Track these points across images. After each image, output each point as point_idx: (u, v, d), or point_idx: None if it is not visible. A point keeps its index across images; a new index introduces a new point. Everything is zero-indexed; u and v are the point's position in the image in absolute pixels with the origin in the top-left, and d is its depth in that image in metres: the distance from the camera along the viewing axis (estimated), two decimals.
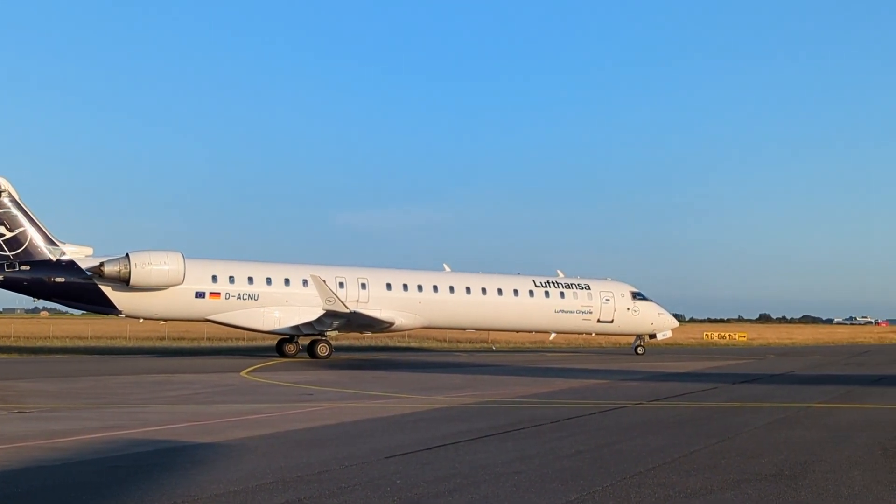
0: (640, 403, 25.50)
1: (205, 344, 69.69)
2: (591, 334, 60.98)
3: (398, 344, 74.31)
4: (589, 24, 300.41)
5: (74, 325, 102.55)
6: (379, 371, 40.40)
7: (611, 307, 57.79)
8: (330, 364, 45.73)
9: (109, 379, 33.45)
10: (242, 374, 36.66)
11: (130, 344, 67.08)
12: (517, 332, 62.70)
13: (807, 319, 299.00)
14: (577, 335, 63.88)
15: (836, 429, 19.83)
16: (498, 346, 75.46)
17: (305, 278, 50.24)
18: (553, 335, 62.13)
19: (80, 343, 66.92)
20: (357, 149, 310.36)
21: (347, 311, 47.60)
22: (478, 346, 74.65)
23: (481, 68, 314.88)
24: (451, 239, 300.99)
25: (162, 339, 75.45)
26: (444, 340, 76.60)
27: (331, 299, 47.24)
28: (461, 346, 73.02)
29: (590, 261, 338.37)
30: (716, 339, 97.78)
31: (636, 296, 58.86)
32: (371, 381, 33.72)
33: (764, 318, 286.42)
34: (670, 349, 73.25)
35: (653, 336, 60.48)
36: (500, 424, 19.76)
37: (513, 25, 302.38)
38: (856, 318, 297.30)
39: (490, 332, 72.79)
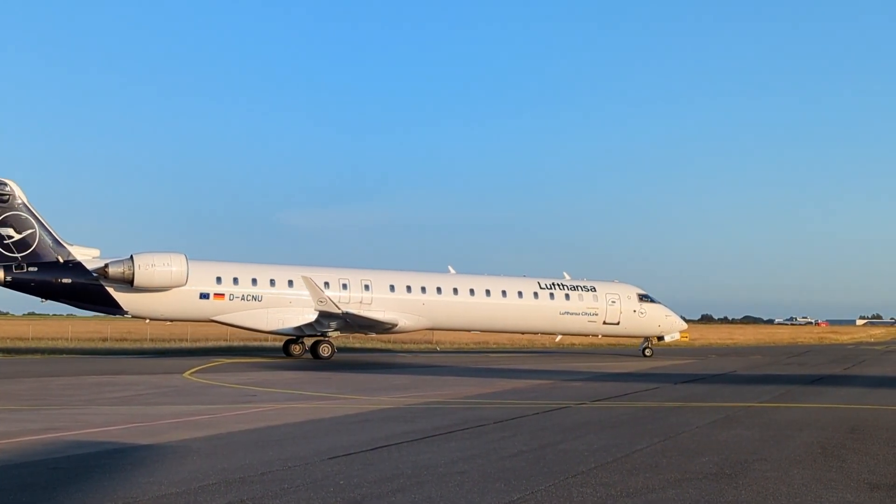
0: (582, 403, 25.66)
1: (148, 345, 69.00)
2: (597, 336, 61.28)
3: (341, 344, 74.07)
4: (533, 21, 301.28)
5: (16, 326, 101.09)
6: (323, 372, 40.25)
7: (616, 309, 57.97)
8: (275, 365, 45.55)
9: (51, 380, 33.03)
10: (185, 375, 36.37)
11: (72, 345, 66.21)
12: (522, 333, 63.07)
13: (748, 320, 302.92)
14: (583, 337, 64.35)
15: (776, 428, 20.07)
16: (442, 346, 75.51)
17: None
18: (559, 337, 62.70)
19: (21, 344, 65.97)
20: (302, 148, 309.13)
21: (339, 311, 48.08)
22: (422, 346, 74.63)
23: (424, 65, 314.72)
24: (396, 239, 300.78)
25: (104, 339, 74.62)
26: (389, 341, 76.38)
27: (322, 300, 47.76)
28: (405, 346, 72.96)
29: (534, 261, 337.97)
30: (654, 340, 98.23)
31: (643, 298, 58.99)
32: (315, 382, 33.61)
33: (706, 319, 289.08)
34: (614, 350, 73.71)
35: (661, 338, 60.71)
36: (444, 425, 19.82)
37: (464, 23, 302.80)
38: (796, 319, 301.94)
39: (435, 333, 73.28)
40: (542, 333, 61.25)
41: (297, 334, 52.74)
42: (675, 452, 16.02)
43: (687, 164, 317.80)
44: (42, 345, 64.83)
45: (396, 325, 52.19)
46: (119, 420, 20.39)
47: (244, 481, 12.77)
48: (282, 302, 51.28)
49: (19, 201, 47.33)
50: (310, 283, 48.17)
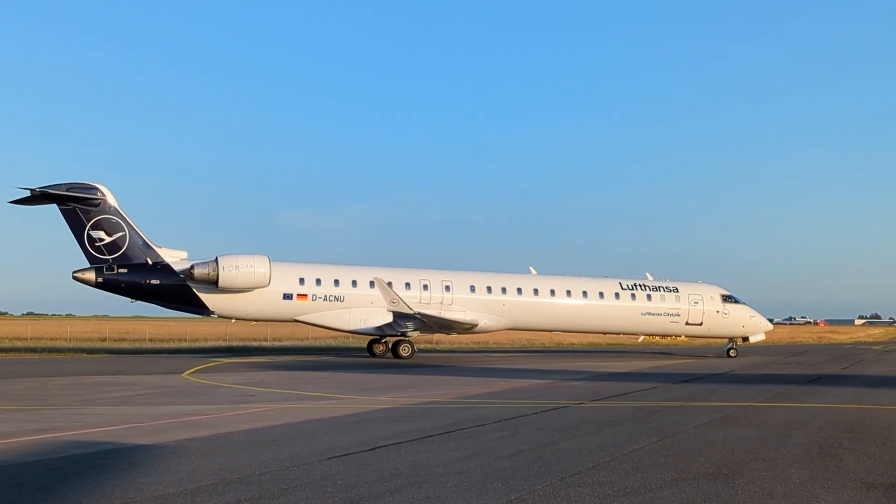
0: (581, 403, 25.65)
1: (147, 345, 69.02)
2: (679, 336, 61.72)
3: (342, 344, 74.08)
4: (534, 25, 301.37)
5: (14, 325, 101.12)
6: (322, 372, 40.26)
7: (699, 310, 58.48)
8: (274, 365, 45.52)
9: (49, 380, 33.06)
10: (184, 375, 36.40)
11: (71, 345, 66.23)
12: (604, 333, 63.67)
13: None
14: (666, 337, 65.23)
15: (773, 427, 20.08)
16: (441, 345, 75.49)
17: (390, 280, 51.62)
18: (641, 338, 63.30)
19: (20, 344, 66.01)
20: (301, 148, 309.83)
21: (412, 312, 49.18)
22: (421, 345, 74.68)
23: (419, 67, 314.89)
24: (395, 239, 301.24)
25: (103, 339, 74.66)
26: None
27: (394, 301, 48.98)
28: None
29: (536, 261, 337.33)
30: (657, 339, 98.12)
31: (727, 299, 59.42)
32: (314, 382, 33.62)
33: None
34: (614, 349, 73.77)
35: (745, 339, 61.03)
36: (443, 424, 19.83)
37: (465, 24, 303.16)
38: (795, 318, 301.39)
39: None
40: (624, 333, 61.98)
41: (379, 334, 54.18)
42: (673, 452, 16.03)
43: (683, 167, 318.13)
44: (41, 344, 64.90)
45: (477, 326, 53.16)
46: (117, 420, 20.40)
47: (242, 481, 12.78)
48: (363, 302, 52.46)
49: (111, 205, 49.03)
50: (381, 284, 49.27)
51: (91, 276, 48.79)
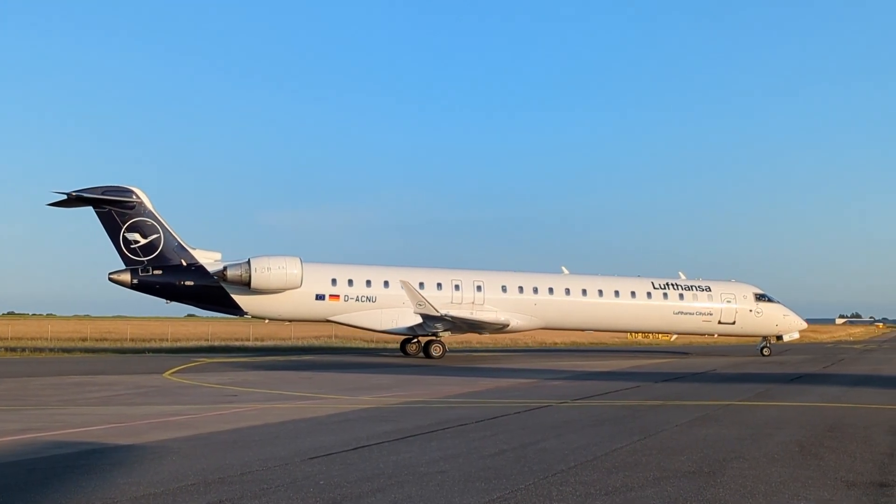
0: (564, 402, 25.67)
1: (128, 345, 68.77)
2: (713, 335, 62.00)
3: (325, 344, 73.98)
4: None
5: None
6: (305, 371, 40.17)
7: (732, 309, 58.64)
8: (256, 365, 45.41)
9: (29, 381, 32.89)
10: (166, 375, 36.27)
11: (51, 345, 65.93)
12: (636, 333, 63.91)
13: None
14: (700, 335, 65.35)
15: (754, 426, 20.13)
16: None
17: (422, 281, 52.55)
18: (674, 336, 63.45)
19: (0, 344, 65.64)
20: (282, 147, 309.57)
21: (439, 313, 49.70)
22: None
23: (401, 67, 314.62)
24: (378, 238, 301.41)
25: (84, 339, 74.34)
26: (371, 341, 76.37)
27: (421, 303, 49.44)
28: (388, 345, 72.91)
29: (535, 261, 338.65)
30: (640, 338, 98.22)
31: (760, 297, 59.44)
32: (297, 382, 33.55)
33: None
34: (596, 348, 73.85)
35: (779, 338, 61.07)
36: (426, 424, 19.81)
37: (473, 24, 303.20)
38: None
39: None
40: (656, 333, 62.23)
41: (410, 334, 54.83)
42: (655, 451, 16.06)
43: (674, 166, 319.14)
44: (21, 344, 64.62)
45: (508, 325, 53.46)
46: (98, 420, 20.32)
47: (223, 482, 12.75)
48: (395, 303, 52.89)
49: (146, 208, 49.85)
50: (408, 286, 49.72)
51: (127, 277, 49.60)
